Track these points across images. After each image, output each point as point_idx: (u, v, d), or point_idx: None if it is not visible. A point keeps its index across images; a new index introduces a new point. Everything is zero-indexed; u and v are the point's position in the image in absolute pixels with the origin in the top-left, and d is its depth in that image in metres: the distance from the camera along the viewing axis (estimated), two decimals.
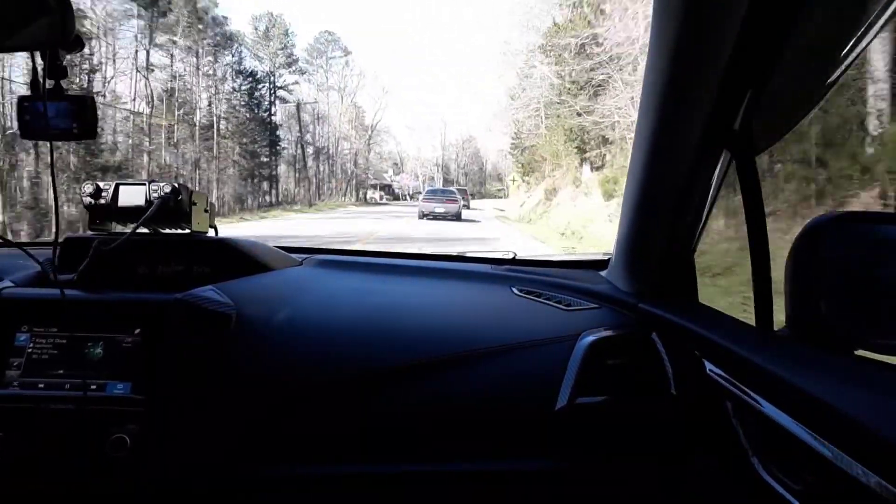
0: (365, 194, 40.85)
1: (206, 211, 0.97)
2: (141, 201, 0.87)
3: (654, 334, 0.81)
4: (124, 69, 20.27)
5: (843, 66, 0.60)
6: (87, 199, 0.89)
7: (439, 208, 16.24)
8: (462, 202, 18.49)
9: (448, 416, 0.77)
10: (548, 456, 0.76)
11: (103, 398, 0.71)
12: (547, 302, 0.93)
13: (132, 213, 0.88)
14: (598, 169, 14.58)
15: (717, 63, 0.58)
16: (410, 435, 0.76)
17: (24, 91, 0.74)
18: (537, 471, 0.76)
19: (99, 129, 0.75)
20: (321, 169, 35.83)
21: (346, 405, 0.76)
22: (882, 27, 0.54)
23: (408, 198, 46.00)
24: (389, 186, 47.94)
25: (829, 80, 0.62)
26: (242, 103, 26.80)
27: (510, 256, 1.21)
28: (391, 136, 56.43)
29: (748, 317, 0.70)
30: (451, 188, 22.19)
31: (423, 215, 16.34)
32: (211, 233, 0.99)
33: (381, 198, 43.38)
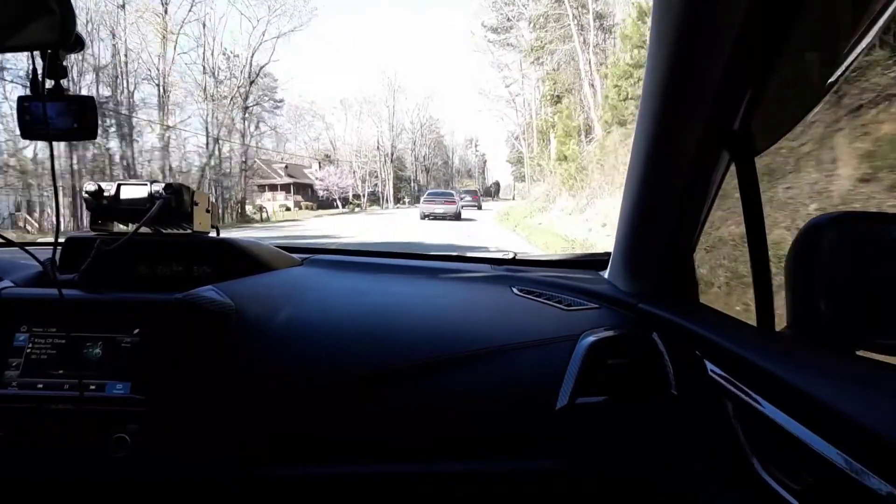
0: (240, 208, 21.11)
1: (207, 211, 0.97)
2: (143, 202, 0.87)
3: (655, 334, 0.81)
4: None
5: (843, 66, 0.60)
6: (89, 199, 0.89)
7: (439, 209, 17.95)
8: (461, 204, 20.84)
9: (448, 416, 0.77)
10: (548, 456, 0.76)
11: (103, 398, 0.71)
12: (547, 302, 0.93)
13: (134, 213, 0.88)
14: None
15: (717, 63, 0.58)
16: (410, 435, 0.76)
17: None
18: (537, 471, 0.76)
19: None
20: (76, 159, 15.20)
21: (346, 405, 0.76)
22: (882, 27, 0.54)
23: (338, 204, 33.34)
24: (309, 187, 33.48)
25: (829, 81, 0.62)
26: None
27: (510, 256, 1.22)
28: (318, 117, 40.06)
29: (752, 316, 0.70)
30: (450, 191, 23.50)
31: (423, 216, 17.95)
32: (212, 233, 1.00)
33: (298, 204, 30.30)
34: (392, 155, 42.25)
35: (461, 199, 24.92)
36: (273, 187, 32.05)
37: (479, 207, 27.79)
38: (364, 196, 37.79)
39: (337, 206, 33.00)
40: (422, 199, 19.87)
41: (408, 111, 47.46)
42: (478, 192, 33.36)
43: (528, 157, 28.66)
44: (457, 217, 18.02)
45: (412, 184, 47.07)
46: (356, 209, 33.23)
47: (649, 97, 0.68)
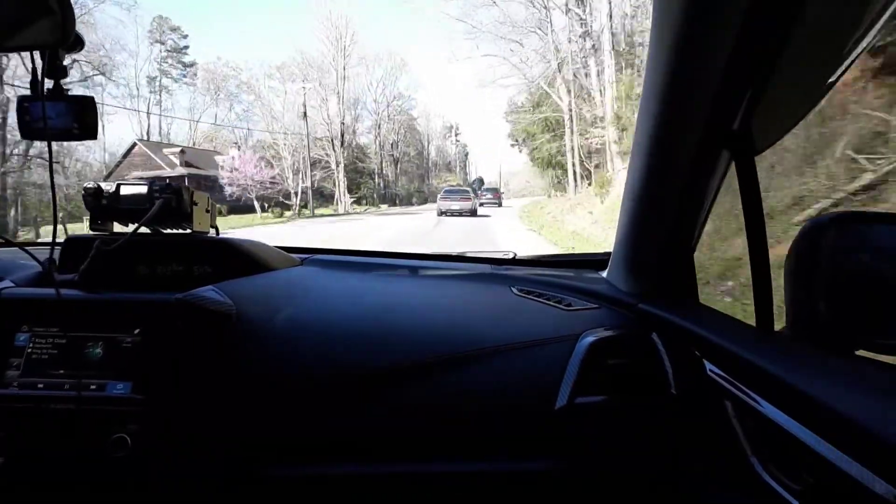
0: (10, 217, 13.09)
1: (207, 211, 0.97)
2: (143, 201, 0.87)
3: (654, 334, 0.81)
4: None
5: (843, 66, 0.60)
6: (89, 199, 0.89)
7: (455, 206, 18.09)
8: (476, 200, 20.44)
9: (447, 416, 0.77)
10: (547, 456, 0.76)
11: (103, 398, 0.71)
12: (547, 302, 0.93)
13: (134, 213, 0.88)
14: None
15: (717, 63, 0.58)
16: (410, 435, 0.76)
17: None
18: (537, 470, 0.76)
19: None
20: None
21: (346, 405, 0.76)
22: (882, 27, 0.54)
23: (256, 207, 21.97)
24: (213, 182, 22.25)
25: (829, 81, 0.62)
26: None
27: (510, 256, 1.22)
28: (244, 87, 30.62)
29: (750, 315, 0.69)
30: (465, 188, 23.00)
31: (441, 213, 17.98)
32: (212, 233, 1.00)
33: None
34: (343, 136, 29.53)
35: (482, 196, 25.17)
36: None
37: (500, 205, 27.24)
38: (297, 195, 24.72)
39: (256, 210, 22.31)
40: (439, 196, 20.34)
41: (370, 85, 35.17)
42: (498, 190, 30.92)
43: (575, 116, 16.49)
44: (472, 213, 18.21)
45: (376, 178, 35.46)
46: (287, 213, 21.96)
47: (650, 97, 0.68)
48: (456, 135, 52.02)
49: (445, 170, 48.22)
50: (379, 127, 35.31)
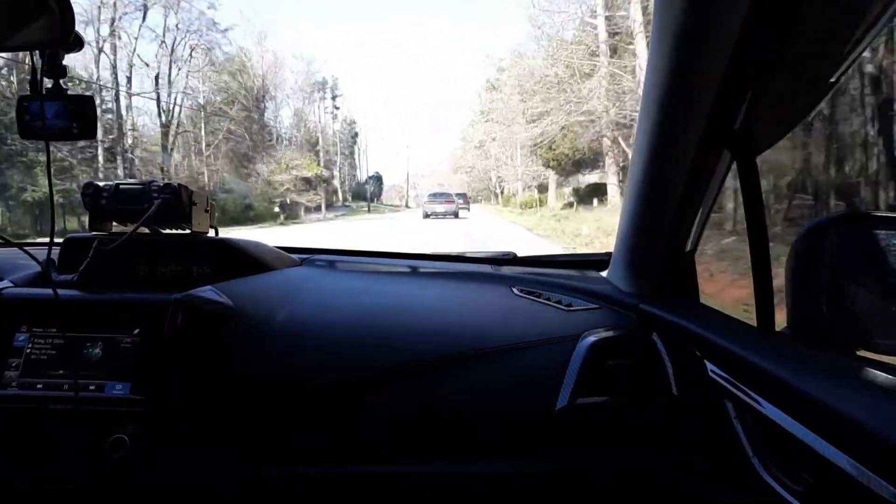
0: None
1: (206, 211, 0.97)
2: (141, 201, 0.87)
3: (655, 335, 0.80)
4: None
5: (843, 66, 0.60)
6: (87, 199, 0.89)
7: (440, 209, 19.63)
8: (461, 204, 22.19)
9: (448, 417, 0.76)
10: (548, 456, 0.76)
11: (102, 399, 0.71)
12: (547, 302, 0.93)
13: (132, 213, 0.88)
14: None
15: (717, 63, 0.58)
16: (410, 435, 0.76)
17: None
18: (537, 471, 0.76)
19: None
20: None
21: (346, 405, 0.76)
22: (882, 27, 0.54)
23: None
24: None
25: (829, 80, 0.62)
26: None
27: (510, 256, 1.21)
28: None
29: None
30: (448, 192, 24.11)
31: (426, 215, 19.48)
32: (211, 233, 1.00)
33: None
34: None
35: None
36: None
37: (468, 209, 27.86)
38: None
39: None
40: (424, 201, 21.47)
41: None
42: (467, 195, 29.83)
43: None
44: (455, 215, 19.63)
45: (102, 158, 15.40)
46: None
47: (650, 97, 0.68)
48: (333, 99, 30.90)
49: (308, 148, 26.68)
50: (119, 38, 15.08)
